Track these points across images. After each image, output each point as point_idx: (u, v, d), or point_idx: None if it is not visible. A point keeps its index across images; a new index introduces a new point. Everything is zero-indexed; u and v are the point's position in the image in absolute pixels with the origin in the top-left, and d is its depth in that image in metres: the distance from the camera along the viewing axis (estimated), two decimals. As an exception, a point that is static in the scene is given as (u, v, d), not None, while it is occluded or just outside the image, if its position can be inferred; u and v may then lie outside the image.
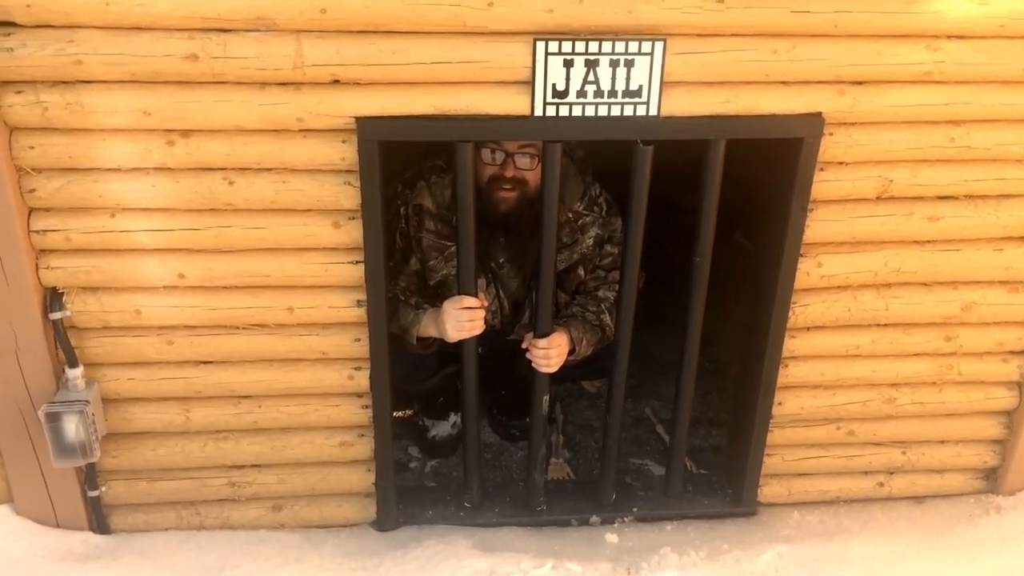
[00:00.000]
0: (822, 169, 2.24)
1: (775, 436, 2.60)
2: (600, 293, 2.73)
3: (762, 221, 2.41)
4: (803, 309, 2.41)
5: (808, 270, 2.36)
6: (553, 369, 2.46)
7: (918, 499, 2.76)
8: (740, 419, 2.63)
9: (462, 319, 2.38)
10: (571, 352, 2.56)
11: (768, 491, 2.70)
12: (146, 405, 2.34)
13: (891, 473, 2.73)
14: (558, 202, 2.27)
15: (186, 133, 2.03)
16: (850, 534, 2.57)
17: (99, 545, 2.41)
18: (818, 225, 2.31)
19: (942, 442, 2.70)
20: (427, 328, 2.50)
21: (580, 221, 2.70)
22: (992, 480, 2.77)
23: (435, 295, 2.70)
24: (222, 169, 2.08)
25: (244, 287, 2.22)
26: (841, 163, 2.25)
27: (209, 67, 1.95)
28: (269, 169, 2.09)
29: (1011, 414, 2.67)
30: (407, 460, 2.96)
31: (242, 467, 2.46)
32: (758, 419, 2.53)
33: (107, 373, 2.28)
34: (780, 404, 2.54)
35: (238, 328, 2.27)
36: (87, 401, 2.19)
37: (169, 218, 2.12)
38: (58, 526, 2.41)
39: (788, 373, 2.50)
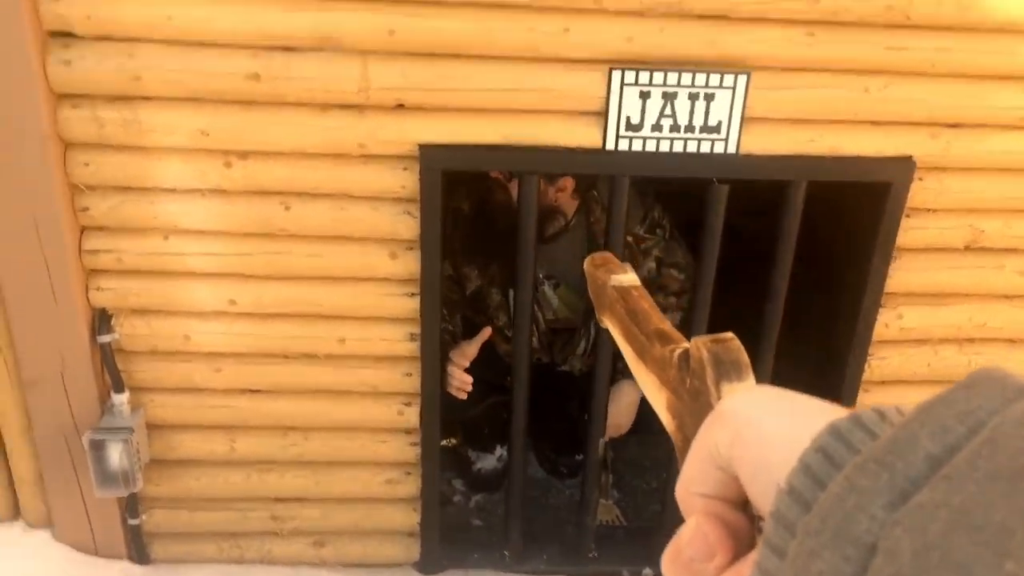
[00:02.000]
0: (908, 216, 2.10)
1: (843, 492, 2.45)
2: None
3: (839, 267, 2.28)
4: (880, 362, 2.27)
5: (887, 321, 2.23)
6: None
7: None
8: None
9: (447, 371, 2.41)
10: None
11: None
12: (191, 433, 2.26)
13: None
14: None
15: (244, 155, 1.96)
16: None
17: None
18: (900, 275, 2.17)
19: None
20: None
21: (642, 245, 2.61)
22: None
23: (472, 307, 2.66)
24: (279, 193, 2.00)
25: (295, 315, 2.14)
26: (929, 210, 2.11)
27: (272, 87, 1.88)
28: (327, 195, 2.01)
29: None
30: (450, 493, 2.86)
31: (285, 500, 2.37)
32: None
33: (153, 399, 2.21)
34: (851, 460, 2.40)
35: (287, 357, 2.19)
36: (132, 429, 2.12)
37: (222, 242, 2.05)
38: (97, 554, 2.34)
39: (861, 428, 2.35)
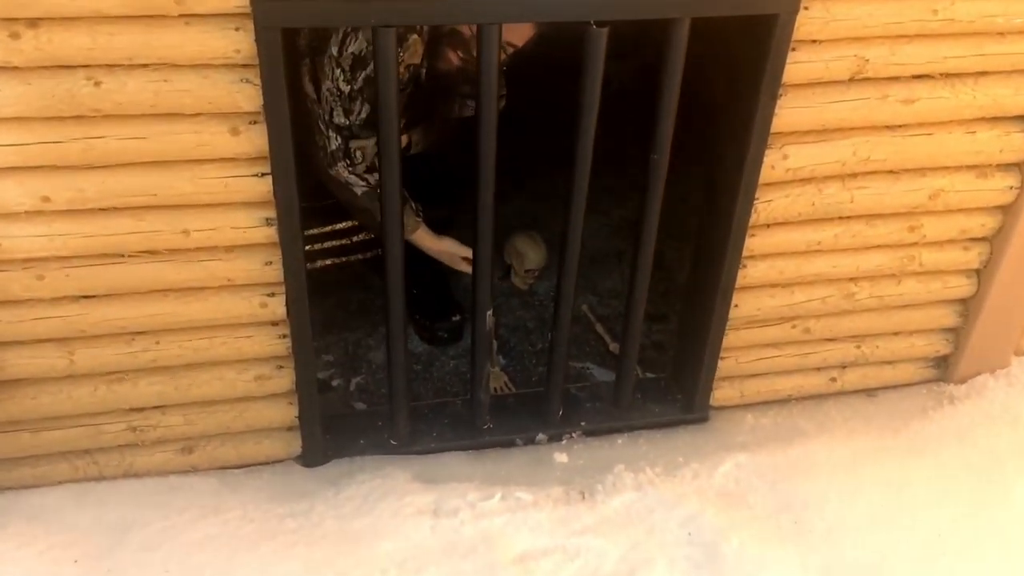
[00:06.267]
0: (794, 49, 1.97)
1: (729, 339, 2.42)
2: None
3: (723, 107, 2.14)
4: (765, 206, 2.19)
5: (773, 163, 2.13)
6: None
7: (870, 392, 2.66)
8: (692, 323, 2.44)
9: None
10: None
11: (719, 394, 2.55)
12: (19, 349, 1.98)
13: (843, 367, 2.61)
14: None
15: (33, 23, 1.60)
16: (807, 437, 2.46)
17: (-20, 509, 2.09)
18: (786, 112, 2.06)
19: (896, 334, 2.58)
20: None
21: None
22: (943, 369, 2.69)
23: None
24: (84, 67, 1.67)
25: (126, 208, 1.85)
26: (815, 41, 1.98)
27: (53, -65, 1.52)
28: (144, 65, 1.69)
29: (967, 302, 2.56)
30: (329, 378, 2.70)
31: (143, 409, 2.14)
32: (714, 324, 2.34)
33: (-34, 317, 1.91)
34: (736, 306, 2.35)
35: (123, 256, 1.91)
36: (-57, 353, 1.83)
37: (22, 129, 1.71)
38: (-72, 490, 2.08)
39: (746, 274, 2.30)
